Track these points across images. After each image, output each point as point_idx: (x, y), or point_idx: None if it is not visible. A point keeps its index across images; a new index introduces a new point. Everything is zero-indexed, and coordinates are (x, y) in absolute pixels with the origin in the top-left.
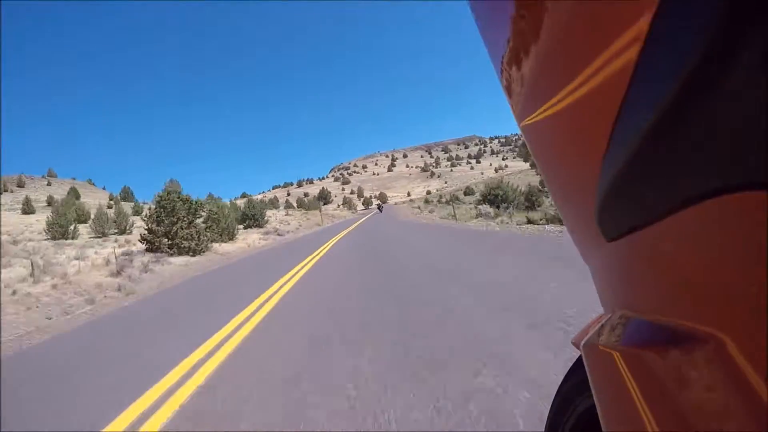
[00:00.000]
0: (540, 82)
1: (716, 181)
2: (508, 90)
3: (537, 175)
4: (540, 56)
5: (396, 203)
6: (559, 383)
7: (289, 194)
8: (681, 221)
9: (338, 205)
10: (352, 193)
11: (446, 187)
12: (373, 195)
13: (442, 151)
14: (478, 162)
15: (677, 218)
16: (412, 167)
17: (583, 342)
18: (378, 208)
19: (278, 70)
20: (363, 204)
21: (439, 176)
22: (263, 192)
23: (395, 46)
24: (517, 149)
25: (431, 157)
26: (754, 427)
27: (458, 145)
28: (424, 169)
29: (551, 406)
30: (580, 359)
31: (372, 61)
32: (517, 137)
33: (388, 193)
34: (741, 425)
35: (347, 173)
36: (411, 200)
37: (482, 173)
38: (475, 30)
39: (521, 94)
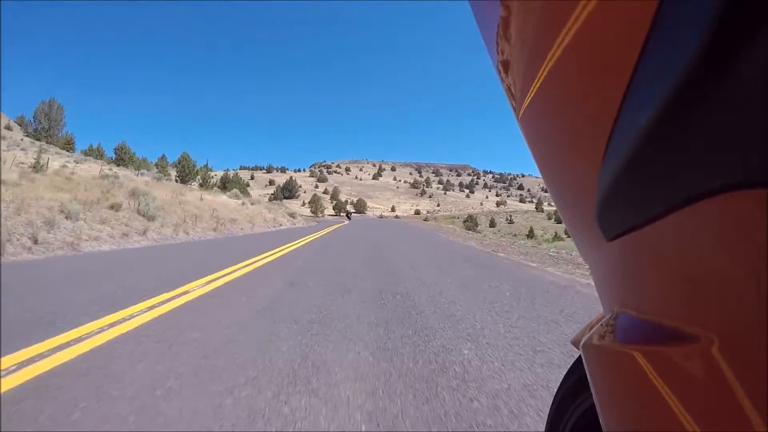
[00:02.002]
0: (535, 58)
1: (717, 179)
2: (505, 67)
3: (549, 220)
4: (537, 38)
5: (381, 215)
6: (559, 383)
7: (252, 177)
8: (681, 219)
9: (304, 203)
10: (325, 192)
11: (439, 210)
12: (350, 200)
13: (433, 173)
14: (471, 192)
15: (678, 217)
16: (400, 181)
17: (582, 341)
18: (347, 216)
19: (279, 55)
20: (334, 209)
21: (430, 196)
22: (227, 169)
23: (402, 56)
24: (511, 188)
25: (421, 176)
26: (752, 427)
27: (450, 171)
28: (413, 186)
29: (551, 406)
30: (579, 359)
31: (377, 67)
32: (511, 176)
33: (369, 204)
34: (739, 425)
35: (327, 171)
36: (396, 216)
37: (481, 204)
38: (475, 47)
39: (519, 73)
